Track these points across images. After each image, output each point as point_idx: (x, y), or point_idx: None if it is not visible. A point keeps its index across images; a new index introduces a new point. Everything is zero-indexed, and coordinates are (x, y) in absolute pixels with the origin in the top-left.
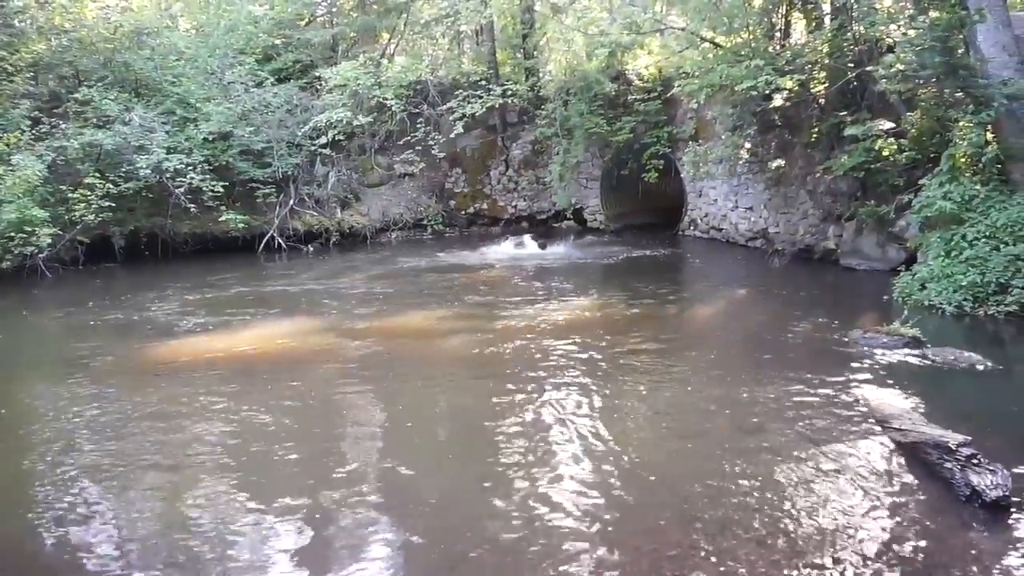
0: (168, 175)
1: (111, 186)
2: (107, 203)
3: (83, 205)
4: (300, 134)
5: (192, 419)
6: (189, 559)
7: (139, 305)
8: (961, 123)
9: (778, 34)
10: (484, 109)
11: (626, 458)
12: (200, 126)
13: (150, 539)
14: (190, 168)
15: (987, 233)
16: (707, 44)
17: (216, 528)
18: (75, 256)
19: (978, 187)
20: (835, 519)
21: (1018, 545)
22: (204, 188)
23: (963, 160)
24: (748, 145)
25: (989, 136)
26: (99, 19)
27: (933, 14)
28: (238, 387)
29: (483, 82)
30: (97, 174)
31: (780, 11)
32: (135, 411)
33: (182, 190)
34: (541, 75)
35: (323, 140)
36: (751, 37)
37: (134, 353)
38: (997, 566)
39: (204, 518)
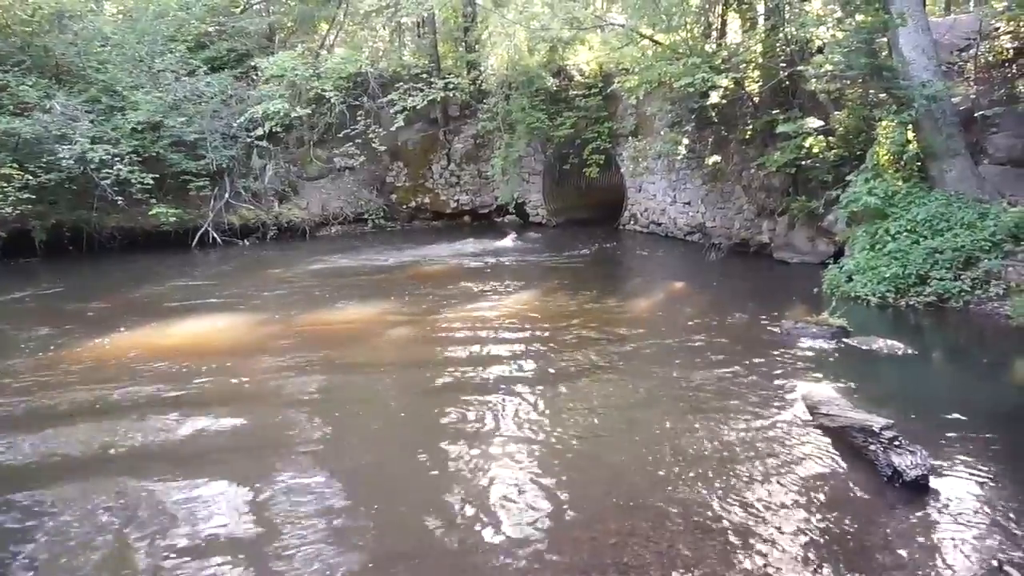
0: (93, 166)
1: (30, 177)
2: (26, 195)
3: None
4: (235, 125)
5: (115, 412)
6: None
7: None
8: (884, 122)
9: (714, 33)
10: (425, 102)
11: (565, 450)
12: (128, 115)
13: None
14: (117, 159)
15: (908, 227)
16: (646, 41)
17: (151, 512)
18: None
19: (900, 183)
20: (768, 501)
21: (935, 519)
22: (132, 180)
23: (886, 158)
24: (686, 141)
25: (910, 135)
26: (15, 0)
27: (859, 17)
28: (168, 382)
29: (424, 75)
30: (15, 164)
31: (716, 11)
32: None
33: (108, 182)
34: (483, 69)
35: (259, 132)
36: (689, 35)
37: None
38: (916, 539)
39: (139, 502)
